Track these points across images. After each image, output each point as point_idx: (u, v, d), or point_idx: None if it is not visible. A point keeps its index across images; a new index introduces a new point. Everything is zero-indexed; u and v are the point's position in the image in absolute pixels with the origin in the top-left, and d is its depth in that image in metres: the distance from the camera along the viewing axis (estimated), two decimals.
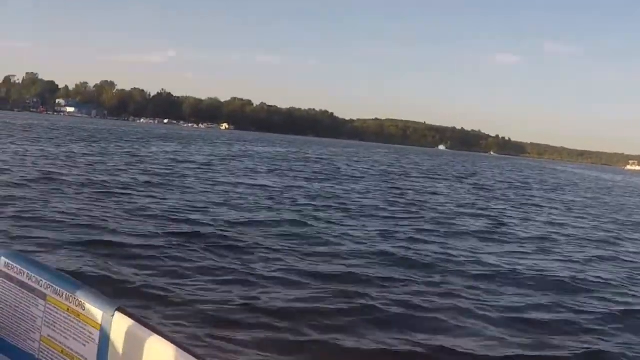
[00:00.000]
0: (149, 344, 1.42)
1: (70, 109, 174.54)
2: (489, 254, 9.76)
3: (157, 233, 8.58)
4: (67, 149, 27.15)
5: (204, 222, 10.07)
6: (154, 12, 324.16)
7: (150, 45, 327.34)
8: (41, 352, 1.64)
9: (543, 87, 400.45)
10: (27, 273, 1.65)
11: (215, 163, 27.81)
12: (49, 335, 1.63)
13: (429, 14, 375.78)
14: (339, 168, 34.09)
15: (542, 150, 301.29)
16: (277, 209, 12.75)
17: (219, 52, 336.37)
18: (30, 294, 1.64)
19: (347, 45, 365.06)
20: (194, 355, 1.36)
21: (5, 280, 1.69)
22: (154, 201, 12.11)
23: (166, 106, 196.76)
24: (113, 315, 1.49)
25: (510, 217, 16.25)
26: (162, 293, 5.66)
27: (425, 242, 10.29)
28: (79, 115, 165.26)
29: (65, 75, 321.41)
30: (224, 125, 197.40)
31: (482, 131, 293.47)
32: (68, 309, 1.57)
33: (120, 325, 1.48)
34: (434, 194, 21.73)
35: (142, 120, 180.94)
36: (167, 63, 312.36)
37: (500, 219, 15.18)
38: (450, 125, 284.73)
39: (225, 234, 9.11)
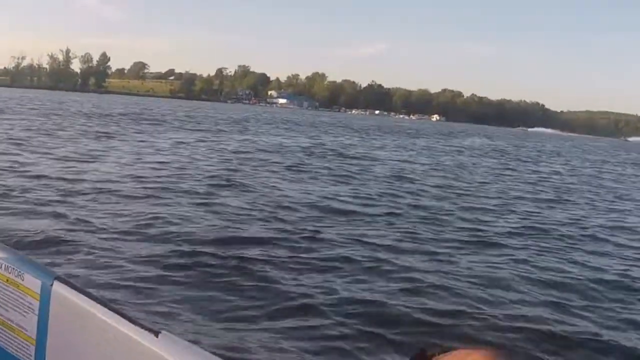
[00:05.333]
0: (89, 313, 1.38)
1: (282, 101, 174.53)
2: None
3: None
4: None
5: None
6: (363, 4, 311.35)
7: (360, 37, 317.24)
8: None
9: None
10: None
11: None
12: None
13: None
14: None
15: None
16: None
17: (429, 43, 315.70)
18: None
19: (558, 35, 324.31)
20: (136, 323, 1.31)
21: None
22: None
23: (377, 97, 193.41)
24: (52, 285, 1.44)
25: None
26: None
27: None
28: (291, 106, 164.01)
29: (276, 67, 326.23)
30: (435, 117, 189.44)
31: None
32: (7, 280, 1.52)
33: (59, 295, 1.44)
34: None
35: (353, 111, 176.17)
36: (377, 55, 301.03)
37: None
38: None
39: None
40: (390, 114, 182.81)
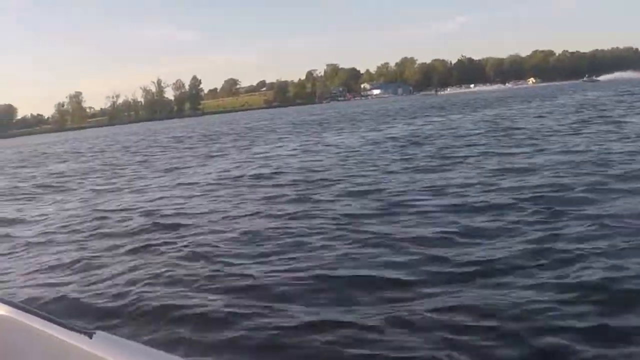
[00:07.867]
0: (19, 323, 1.37)
1: (377, 91, 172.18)
2: None
3: None
4: None
5: None
6: None
7: (441, 14, 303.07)
8: None
9: None
10: None
11: None
12: None
13: None
14: None
15: None
16: None
17: (511, 7, 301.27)
18: None
19: None
20: (68, 327, 1.31)
21: None
22: None
23: (469, 71, 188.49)
24: None
25: None
26: None
27: None
28: (386, 95, 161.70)
29: (364, 60, 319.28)
30: (531, 80, 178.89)
31: None
32: None
33: None
34: None
35: (447, 89, 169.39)
36: (460, 29, 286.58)
37: None
38: None
39: None
40: (486, 85, 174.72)
